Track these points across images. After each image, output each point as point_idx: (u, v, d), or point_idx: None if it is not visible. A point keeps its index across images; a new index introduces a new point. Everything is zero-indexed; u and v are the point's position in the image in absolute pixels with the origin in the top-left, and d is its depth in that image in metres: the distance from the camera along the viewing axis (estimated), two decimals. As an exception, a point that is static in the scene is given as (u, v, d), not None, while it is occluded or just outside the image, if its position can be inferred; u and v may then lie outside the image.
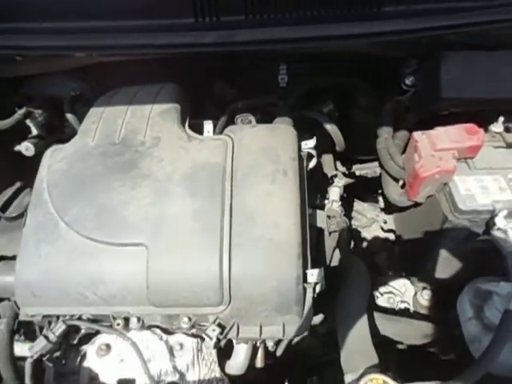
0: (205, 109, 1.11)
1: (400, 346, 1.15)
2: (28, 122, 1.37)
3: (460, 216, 0.89)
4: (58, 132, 1.43)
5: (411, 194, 0.99)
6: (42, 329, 1.02)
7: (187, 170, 0.89)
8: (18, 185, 1.10)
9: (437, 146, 0.92)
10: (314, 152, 0.97)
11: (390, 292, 1.36)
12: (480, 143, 0.91)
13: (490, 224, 0.88)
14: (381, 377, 0.73)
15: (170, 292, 0.82)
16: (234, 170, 0.88)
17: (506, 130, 1.06)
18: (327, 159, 1.29)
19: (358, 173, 1.55)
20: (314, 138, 0.97)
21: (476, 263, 0.98)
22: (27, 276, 0.86)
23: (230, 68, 1.27)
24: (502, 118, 1.00)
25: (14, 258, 0.99)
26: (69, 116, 1.32)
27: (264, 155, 0.90)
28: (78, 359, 1.11)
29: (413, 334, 1.10)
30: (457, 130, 0.93)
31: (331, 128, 1.16)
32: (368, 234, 1.56)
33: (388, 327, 1.08)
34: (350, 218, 1.48)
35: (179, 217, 0.84)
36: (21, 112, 1.31)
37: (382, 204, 1.59)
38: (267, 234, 0.82)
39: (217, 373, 1.08)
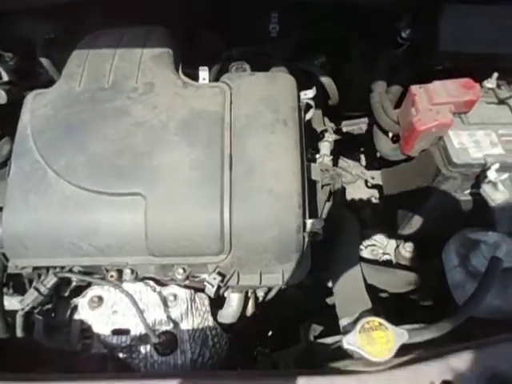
0: (193, 58, 1.05)
1: (383, 295, 1.21)
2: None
3: (453, 169, 0.91)
4: (30, 79, 1.34)
5: (405, 148, 1.00)
6: (31, 282, 1.00)
7: (184, 118, 0.85)
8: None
9: (434, 100, 0.92)
10: (312, 103, 0.95)
11: (373, 245, 1.42)
12: (476, 98, 0.92)
13: (481, 177, 0.91)
14: (376, 319, 0.77)
15: (170, 242, 0.81)
16: (232, 120, 0.86)
17: (498, 86, 1.07)
18: (317, 114, 1.28)
19: (345, 129, 1.55)
20: (314, 88, 0.94)
21: (463, 216, 1.02)
22: (16, 227, 0.83)
23: (219, 17, 1.21)
24: (495, 74, 1.01)
25: (-1, 209, 0.94)
26: (43, 60, 1.23)
27: (263, 104, 0.87)
28: (69, 312, 1.10)
29: (397, 282, 1.16)
30: (454, 85, 0.94)
31: (326, 80, 1.14)
32: (353, 189, 1.59)
33: (374, 276, 1.13)
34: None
35: (177, 166, 0.82)
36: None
37: (363, 162, 1.62)
38: (268, 184, 0.82)
39: (210, 322, 1.10)
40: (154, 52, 0.94)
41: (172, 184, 0.81)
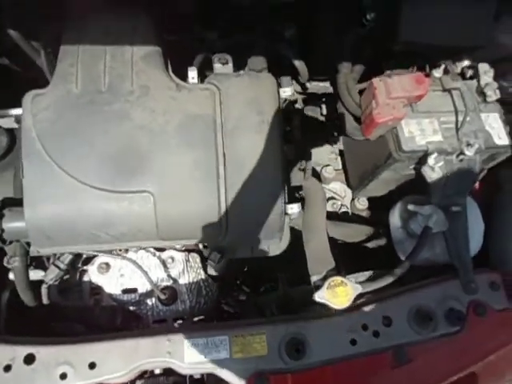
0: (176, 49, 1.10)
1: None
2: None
3: (402, 154, 1.12)
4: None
5: (366, 132, 1.18)
6: (48, 258, 1.15)
7: (180, 122, 0.96)
8: (-10, 127, 1.06)
9: (391, 95, 1.08)
10: (290, 97, 1.08)
11: (333, 198, 1.66)
12: (425, 92, 1.10)
13: (422, 161, 1.13)
14: (339, 278, 1.02)
15: (177, 228, 0.99)
16: (223, 121, 0.98)
17: (446, 72, 1.24)
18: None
19: (310, 90, 1.68)
20: (292, 86, 1.07)
21: (407, 184, 1.27)
22: (39, 222, 0.95)
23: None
24: (443, 66, 1.18)
25: (8, 200, 1.05)
26: (12, 33, 1.21)
27: (250, 106, 1.00)
28: (78, 275, 1.28)
29: (352, 234, 1.43)
30: (408, 79, 1.09)
31: (299, 64, 1.25)
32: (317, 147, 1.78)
33: (335, 230, 1.39)
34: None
35: (178, 165, 0.96)
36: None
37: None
38: (255, 177, 0.99)
39: (202, 275, 1.34)
40: (144, 51, 0.99)
41: (175, 181, 0.96)
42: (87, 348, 0.93)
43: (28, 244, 1.04)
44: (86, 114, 0.95)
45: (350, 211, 1.63)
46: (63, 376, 0.90)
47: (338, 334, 1.01)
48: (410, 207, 1.14)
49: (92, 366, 0.92)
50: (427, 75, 1.23)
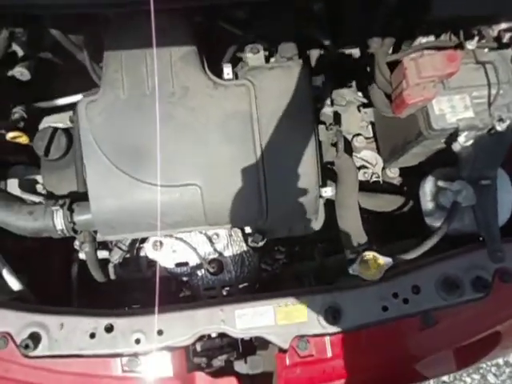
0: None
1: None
2: (14, 45, 1.31)
3: (432, 132, 1.15)
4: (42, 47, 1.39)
5: (396, 111, 1.21)
6: (111, 241, 1.31)
7: (219, 119, 1.04)
8: (50, 129, 1.18)
9: (422, 74, 1.10)
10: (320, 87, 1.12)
11: (365, 166, 1.72)
12: (457, 69, 1.10)
13: (453, 137, 1.16)
14: (371, 253, 1.12)
15: (223, 215, 1.10)
16: (259, 115, 1.05)
17: (480, 36, 1.21)
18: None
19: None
20: (322, 75, 1.10)
21: (438, 157, 1.31)
22: (103, 215, 1.09)
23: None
24: (476, 38, 1.16)
25: (74, 195, 1.19)
26: (55, 33, 1.28)
27: (284, 99, 1.05)
28: (135, 252, 1.46)
29: (384, 204, 1.51)
30: (440, 57, 1.10)
31: (330, 46, 1.26)
32: (347, 116, 1.80)
33: (367, 202, 1.47)
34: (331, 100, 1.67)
35: (222, 159, 1.05)
36: (4, 36, 1.25)
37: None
38: (291, 166, 1.07)
39: (244, 247, 1.47)
40: (182, 51, 1.05)
41: (219, 173, 1.06)
42: (156, 318, 1.10)
43: (95, 231, 1.20)
44: (134, 117, 1.05)
45: (381, 179, 1.68)
46: (137, 341, 1.09)
47: (370, 302, 1.12)
48: (440, 183, 1.20)
49: (160, 332, 1.09)
50: (460, 46, 1.22)
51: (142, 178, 1.06)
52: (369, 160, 1.73)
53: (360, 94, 1.74)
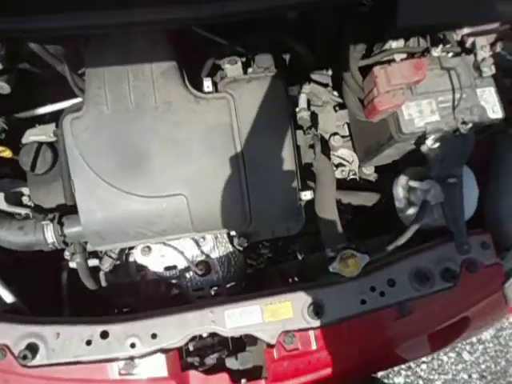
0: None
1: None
2: (-9, 59, 1.32)
3: (402, 136, 1.23)
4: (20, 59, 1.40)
5: (369, 116, 1.28)
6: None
7: (202, 132, 1.09)
8: (36, 144, 1.20)
9: (391, 82, 1.17)
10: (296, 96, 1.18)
11: (342, 164, 1.79)
12: (423, 77, 1.18)
13: (421, 140, 1.24)
14: (349, 251, 1.20)
15: (209, 222, 1.16)
16: (239, 127, 1.10)
17: (444, 41, 1.28)
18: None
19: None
20: (298, 86, 1.16)
21: (409, 156, 1.39)
22: (93, 226, 1.13)
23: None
24: (441, 45, 1.24)
25: (62, 207, 1.22)
26: (33, 46, 1.29)
27: (262, 110, 1.11)
28: (124, 257, 1.50)
29: (361, 201, 1.59)
30: (407, 66, 1.17)
31: (305, 53, 1.31)
32: (324, 115, 1.87)
33: (345, 199, 1.55)
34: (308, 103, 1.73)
35: (205, 170, 1.10)
36: (-18, 52, 1.26)
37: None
38: (272, 173, 1.13)
39: (230, 248, 1.53)
40: (162, 67, 1.09)
41: (204, 183, 1.11)
42: (149, 323, 1.15)
43: (85, 242, 1.23)
44: (119, 131, 1.08)
45: (357, 176, 1.77)
46: (133, 345, 1.14)
47: (350, 297, 1.21)
48: (411, 183, 1.28)
49: (154, 336, 1.15)
50: (427, 51, 1.29)
51: (129, 189, 1.10)
52: (346, 158, 1.80)
53: (336, 93, 1.81)
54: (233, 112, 1.10)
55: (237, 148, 1.10)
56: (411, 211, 1.34)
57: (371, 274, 1.24)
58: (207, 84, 1.12)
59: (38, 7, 0.86)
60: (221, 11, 0.92)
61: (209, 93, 1.13)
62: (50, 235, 1.13)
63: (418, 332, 1.25)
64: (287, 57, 1.44)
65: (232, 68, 1.19)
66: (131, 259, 1.51)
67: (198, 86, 1.15)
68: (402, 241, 1.24)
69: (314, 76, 1.76)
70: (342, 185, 1.65)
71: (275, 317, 1.19)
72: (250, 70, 1.22)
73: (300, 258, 1.47)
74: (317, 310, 1.17)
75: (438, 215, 1.33)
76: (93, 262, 1.37)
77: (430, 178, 1.27)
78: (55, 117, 1.30)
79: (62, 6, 0.88)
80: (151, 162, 1.09)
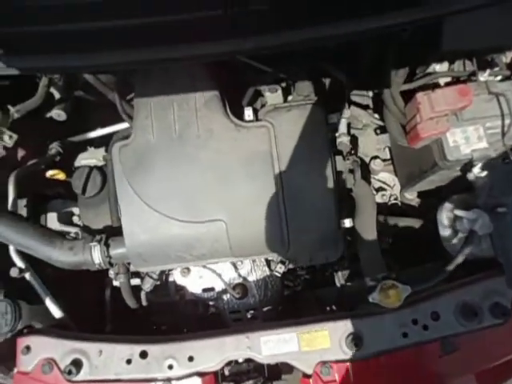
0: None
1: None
2: (52, 89, 1.43)
3: (447, 163, 1.19)
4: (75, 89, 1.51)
5: (411, 142, 1.25)
6: (142, 270, 1.40)
7: (242, 159, 1.12)
8: (87, 169, 1.28)
9: (435, 109, 1.14)
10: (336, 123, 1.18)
11: (382, 188, 1.75)
12: (469, 103, 1.14)
13: (468, 167, 1.20)
14: (390, 281, 1.17)
15: (247, 248, 1.17)
16: (279, 154, 1.12)
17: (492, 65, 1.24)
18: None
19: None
20: (337, 113, 1.16)
21: (454, 184, 1.34)
22: (136, 249, 1.18)
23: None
24: (488, 70, 1.20)
25: (109, 229, 1.28)
26: (88, 77, 1.39)
27: (302, 138, 1.12)
28: (164, 277, 1.54)
29: (403, 226, 1.54)
30: (451, 92, 1.14)
31: (345, 81, 1.32)
32: (364, 138, 1.84)
33: (386, 225, 1.51)
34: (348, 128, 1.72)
35: (245, 197, 1.12)
36: (44, 83, 1.37)
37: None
38: (310, 201, 1.13)
39: (267, 272, 1.53)
40: (205, 96, 1.13)
41: (243, 209, 1.13)
42: (187, 345, 1.17)
43: (128, 263, 1.29)
44: (163, 159, 1.13)
45: (399, 201, 1.72)
46: (170, 367, 1.16)
47: (390, 329, 1.17)
48: (457, 212, 1.23)
49: (191, 359, 1.16)
50: (473, 74, 1.24)
51: (171, 214, 1.14)
52: (387, 182, 1.76)
53: (376, 115, 1.79)
54: (273, 140, 1.12)
55: (276, 175, 1.12)
56: (457, 240, 1.28)
57: (414, 305, 1.19)
58: (248, 113, 1.15)
59: (94, 46, 0.93)
60: (265, 44, 0.95)
61: (250, 121, 1.16)
62: (97, 256, 1.19)
63: (465, 371, 1.18)
64: (327, 81, 1.46)
65: (272, 96, 1.22)
66: (171, 279, 1.55)
67: (239, 114, 1.18)
68: (446, 272, 1.18)
69: (354, 97, 1.79)
70: (383, 209, 1.61)
71: (312, 346, 1.17)
72: (290, 97, 1.24)
73: (338, 284, 1.44)
74: (356, 341, 1.14)
75: (486, 246, 1.26)
76: (135, 281, 1.42)
77: (477, 207, 1.22)
78: (105, 141, 1.38)
79: (116, 43, 0.94)
80: (192, 187, 1.12)
